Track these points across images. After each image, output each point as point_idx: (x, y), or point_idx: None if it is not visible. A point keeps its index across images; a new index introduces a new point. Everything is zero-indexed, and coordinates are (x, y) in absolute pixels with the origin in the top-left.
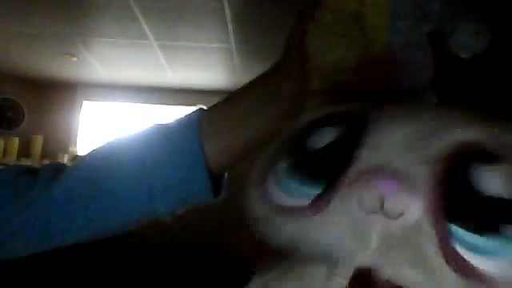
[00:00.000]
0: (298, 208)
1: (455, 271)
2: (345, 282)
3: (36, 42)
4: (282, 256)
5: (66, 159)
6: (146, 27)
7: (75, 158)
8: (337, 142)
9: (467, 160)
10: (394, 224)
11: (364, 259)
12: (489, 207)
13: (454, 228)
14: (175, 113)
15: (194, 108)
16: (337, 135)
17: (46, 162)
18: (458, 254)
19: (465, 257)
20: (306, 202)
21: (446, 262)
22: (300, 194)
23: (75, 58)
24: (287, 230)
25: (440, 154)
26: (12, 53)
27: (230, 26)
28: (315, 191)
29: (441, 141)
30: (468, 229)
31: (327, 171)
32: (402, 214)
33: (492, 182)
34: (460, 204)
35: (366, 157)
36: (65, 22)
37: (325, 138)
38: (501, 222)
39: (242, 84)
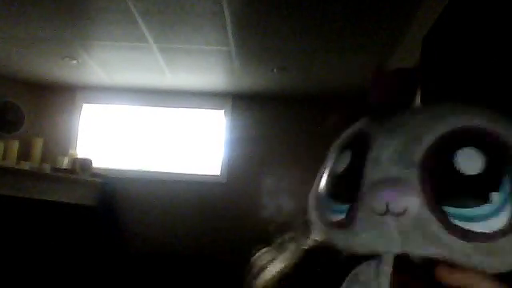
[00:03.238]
0: (339, 222)
1: (461, 239)
2: (390, 268)
3: (36, 46)
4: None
5: (65, 162)
6: (145, 30)
7: (75, 160)
8: (352, 162)
9: (447, 150)
10: (404, 219)
11: (395, 249)
12: (471, 184)
13: (448, 208)
14: (175, 115)
15: (193, 110)
16: (352, 156)
17: (46, 164)
18: (457, 226)
19: (464, 227)
20: (343, 216)
21: (451, 234)
22: (339, 211)
23: (75, 61)
24: (339, 239)
25: (421, 154)
26: (12, 56)
27: (229, 29)
28: (346, 207)
29: (421, 144)
30: (458, 206)
31: (350, 189)
32: (406, 211)
33: (470, 162)
34: (447, 189)
35: (372, 171)
36: (64, 25)
37: (344, 161)
38: (481, 195)
39: (242, 86)
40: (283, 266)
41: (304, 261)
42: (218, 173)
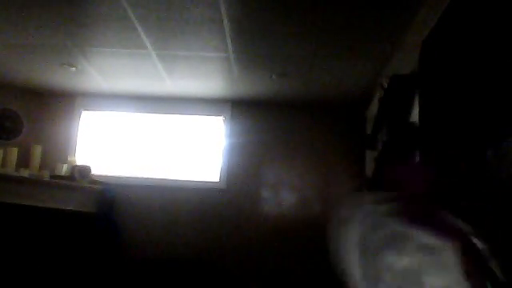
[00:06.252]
0: None
1: None
2: None
3: (35, 53)
4: None
5: (64, 169)
6: (144, 37)
7: (74, 167)
8: None
9: None
10: None
11: None
12: None
13: None
14: (174, 122)
15: (193, 117)
16: None
17: (45, 171)
18: None
19: None
20: None
21: None
22: None
23: (74, 68)
24: None
25: None
26: (11, 63)
27: (227, 36)
28: None
29: None
30: None
31: None
32: None
33: None
34: None
35: None
36: (64, 32)
37: None
38: None
39: (241, 92)
40: None
41: None
42: (218, 179)
